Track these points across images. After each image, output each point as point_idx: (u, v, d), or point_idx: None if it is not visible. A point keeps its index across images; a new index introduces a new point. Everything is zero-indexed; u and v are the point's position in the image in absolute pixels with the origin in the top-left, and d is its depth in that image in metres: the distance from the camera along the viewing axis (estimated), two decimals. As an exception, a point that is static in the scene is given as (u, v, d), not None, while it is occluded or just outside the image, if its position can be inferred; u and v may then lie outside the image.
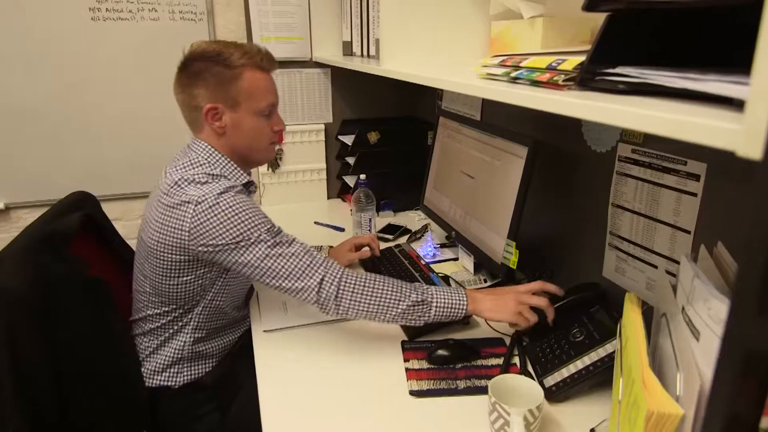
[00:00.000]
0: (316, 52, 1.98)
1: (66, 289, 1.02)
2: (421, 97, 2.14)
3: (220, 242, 1.02)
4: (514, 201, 1.19)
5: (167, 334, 1.17)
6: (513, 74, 0.71)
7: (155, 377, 1.17)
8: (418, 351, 1.10)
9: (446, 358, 1.05)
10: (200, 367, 1.21)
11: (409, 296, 1.03)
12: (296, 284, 1.02)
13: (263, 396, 0.98)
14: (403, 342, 1.13)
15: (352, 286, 1.03)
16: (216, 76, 1.08)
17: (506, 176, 1.24)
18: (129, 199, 2.08)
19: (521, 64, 0.70)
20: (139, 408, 1.14)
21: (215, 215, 1.01)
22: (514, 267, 1.16)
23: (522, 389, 0.88)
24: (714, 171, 0.88)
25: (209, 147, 1.12)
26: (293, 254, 1.03)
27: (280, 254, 1.02)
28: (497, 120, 1.54)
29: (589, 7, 0.59)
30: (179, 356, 1.18)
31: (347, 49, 1.82)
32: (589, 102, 0.52)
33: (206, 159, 1.11)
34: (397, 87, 2.08)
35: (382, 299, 1.03)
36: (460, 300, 1.05)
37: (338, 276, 1.03)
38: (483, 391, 0.97)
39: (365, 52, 1.65)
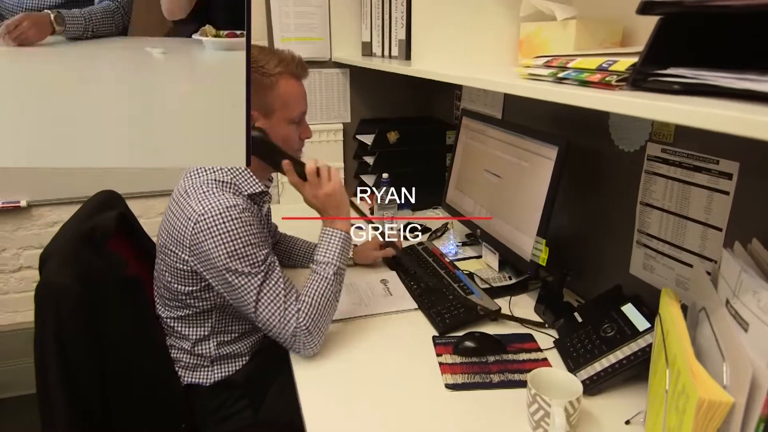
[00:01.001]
0: (335, 53, 2.00)
1: (107, 286, 1.03)
2: (438, 96, 2.16)
3: (208, 266, 1.04)
4: (543, 201, 1.21)
5: (189, 334, 1.17)
6: (560, 75, 0.73)
7: (185, 375, 1.19)
8: (449, 345, 1.12)
9: (473, 349, 1.07)
10: (230, 365, 1.21)
11: (329, 278, 1.10)
12: (273, 334, 1.07)
13: (303, 393, 0.99)
14: (434, 337, 1.16)
15: (314, 321, 1.06)
16: (253, 84, 1.09)
17: (535, 177, 1.26)
18: (149, 197, 2.09)
19: (569, 65, 0.72)
20: (177, 405, 1.15)
21: (210, 235, 1.02)
22: (544, 264, 1.18)
23: (560, 382, 0.90)
24: (747, 169, 0.90)
25: None
26: (271, 299, 1.05)
27: (262, 295, 1.05)
28: (519, 119, 1.56)
29: (643, 11, 0.61)
30: (207, 356, 1.18)
31: (366, 49, 1.85)
32: (664, 103, 0.53)
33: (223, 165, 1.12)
34: (415, 87, 2.11)
35: (328, 306, 1.09)
36: (340, 239, 1.14)
37: (300, 323, 1.05)
38: (516, 384, 0.99)
39: (386, 53, 1.67)
